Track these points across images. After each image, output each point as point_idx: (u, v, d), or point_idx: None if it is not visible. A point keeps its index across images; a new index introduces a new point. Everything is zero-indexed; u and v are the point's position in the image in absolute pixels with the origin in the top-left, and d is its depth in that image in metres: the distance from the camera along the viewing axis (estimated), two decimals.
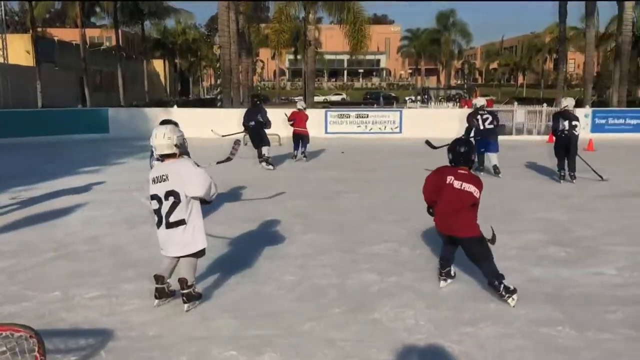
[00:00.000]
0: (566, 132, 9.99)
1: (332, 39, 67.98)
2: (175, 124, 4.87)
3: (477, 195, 4.69)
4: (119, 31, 39.26)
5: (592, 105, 25.24)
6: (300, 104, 13.76)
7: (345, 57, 77.21)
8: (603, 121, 19.75)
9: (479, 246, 4.71)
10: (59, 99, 28.69)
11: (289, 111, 13.97)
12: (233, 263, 5.60)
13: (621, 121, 19.89)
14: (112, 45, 44.05)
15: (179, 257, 4.42)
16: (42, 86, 28.32)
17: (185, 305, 4.40)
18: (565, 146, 10.03)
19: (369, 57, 79.91)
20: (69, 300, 4.64)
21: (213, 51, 57.88)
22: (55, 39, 41.98)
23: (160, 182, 4.29)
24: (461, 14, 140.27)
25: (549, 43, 62.70)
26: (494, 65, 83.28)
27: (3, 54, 23.44)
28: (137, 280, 5.11)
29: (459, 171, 4.78)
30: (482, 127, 11.08)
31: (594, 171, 10.37)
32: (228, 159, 6.83)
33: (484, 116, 11.28)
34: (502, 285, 4.59)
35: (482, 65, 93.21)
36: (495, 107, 26.19)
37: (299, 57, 57.51)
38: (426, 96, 46.22)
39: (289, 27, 24.31)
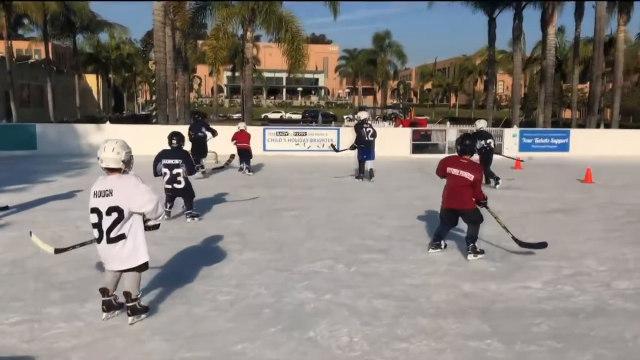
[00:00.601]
0: (486, 148, 12.05)
1: (271, 57, 68.34)
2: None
3: (472, 179, 6.24)
4: (49, 44, 37.86)
5: (520, 126, 26.48)
6: (242, 125, 15.15)
7: (284, 75, 77.64)
8: (530, 141, 20.73)
9: (473, 215, 6.44)
10: None
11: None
12: (166, 284, 5.45)
13: (546, 141, 20.93)
14: (41, 58, 42.40)
15: (121, 271, 4.41)
16: None
17: (130, 318, 4.41)
18: (487, 160, 11.99)
19: (307, 75, 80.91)
20: None
21: (149, 67, 56.81)
22: None
23: (103, 196, 4.21)
24: (396, 36, 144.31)
25: (479, 65, 65.52)
26: (428, 85, 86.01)
27: None
28: (63, 303, 4.89)
29: (460, 160, 6.42)
30: (366, 138, 12.97)
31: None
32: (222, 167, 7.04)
33: (367, 129, 13.04)
34: (472, 245, 6.42)
35: (416, 85, 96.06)
36: (429, 126, 27.03)
37: (237, 74, 57.41)
38: None
39: (227, 44, 24.14)
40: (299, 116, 62.34)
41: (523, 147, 20.27)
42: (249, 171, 14.19)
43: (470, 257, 6.39)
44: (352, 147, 13.70)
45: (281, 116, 66.60)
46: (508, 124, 27.71)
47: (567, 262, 6.48)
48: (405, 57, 68.19)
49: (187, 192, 8.50)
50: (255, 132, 20.02)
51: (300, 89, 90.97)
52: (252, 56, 25.58)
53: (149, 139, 18.28)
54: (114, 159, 4.23)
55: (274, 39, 24.66)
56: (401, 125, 31.92)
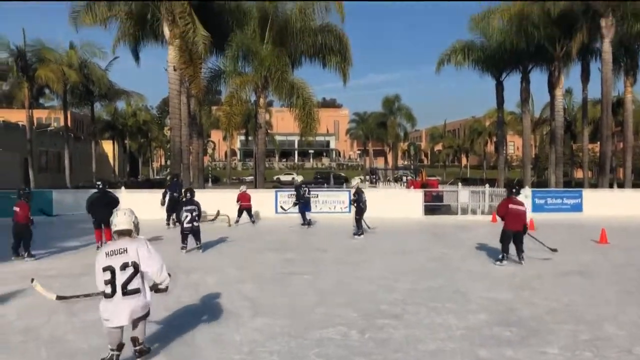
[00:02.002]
0: (365, 202, 14.61)
1: (283, 121, 69.64)
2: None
3: (524, 209, 10.65)
4: (68, 112, 39.04)
5: (532, 186, 26.46)
6: (244, 188, 17.95)
7: (296, 138, 78.84)
8: (542, 201, 20.67)
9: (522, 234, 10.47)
10: (3, 181, 27.86)
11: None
12: (178, 349, 5.42)
13: (559, 201, 20.86)
14: (60, 126, 43.62)
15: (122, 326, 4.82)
16: None
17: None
18: (361, 212, 14.46)
19: (319, 138, 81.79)
20: None
21: (164, 132, 58.14)
22: (1, 120, 41.37)
23: (117, 254, 4.69)
24: (405, 98, 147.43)
25: (488, 127, 66.17)
26: (439, 147, 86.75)
27: None
28: None
29: (514, 198, 10.69)
30: (305, 195, 17.15)
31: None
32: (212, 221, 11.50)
33: (304, 189, 17.45)
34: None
35: (427, 146, 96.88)
36: (440, 188, 27.08)
37: (250, 138, 58.42)
38: (374, 177, 47.29)
39: (240, 110, 24.73)
40: (288, 177, 63.82)
41: (536, 208, 20.19)
42: (252, 221, 17.13)
43: (498, 264, 10.26)
44: (295, 204, 17.60)
45: (293, 178, 67.07)
46: (520, 185, 27.72)
47: (585, 326, 6.35)
48: (415, 119, 69.19)
49: (199, 230, 11.94)
50: (267, 194, 20.28)
51: (311, 151, 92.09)
52: (264, 121, 26.15)
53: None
54: (126, 221, 4.84)
55: (286, 105, 25.27)
56: (412, 187, 32.00)
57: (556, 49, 26.34)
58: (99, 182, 12.77)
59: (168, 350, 5.44)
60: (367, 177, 49.27)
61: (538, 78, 62.22)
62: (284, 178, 66.85)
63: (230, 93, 23.95)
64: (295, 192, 17.70)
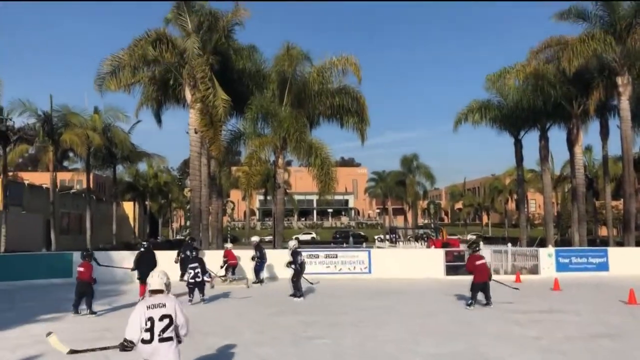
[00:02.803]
0: (302, 264, 14.35)
1: (302, 180, 70.05)
2: None
3: (485, 261, 12.76)
4: (91, 175, 39.83)
5: (555, 244, 25.95)
6: (228, 245, 19.62)
7: (315, 197, 79.10)
8: (567, 260, 20.18)
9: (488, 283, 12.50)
10: (25, 243, 28.21)
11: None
12: None
13: (584, 260, 20.34)
14: (82, 188, 44.43)
15: None
16: (7, 230, 27.91)
17: None
18: (299, 273, 14.16)
19: (337, 197, 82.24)
20: None
21: (184, 193, 58.86)
22: (26, 182, 42.27)
23: (157, 307, 5.43)
24: (424, 157, 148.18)
25: (509, 184, 65.79)
26: (459, 205, 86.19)
27: None
28: None
29: (477, 255, 12.83)
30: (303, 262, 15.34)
31: None
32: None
33: (262, 250, 18.17)
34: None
35: (447, 205, 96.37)
36: (461, 247, 26.69)
37: (269, 197, 58.77)
38: (394, 235, 46.94)
39: (259, 170, 24.99)
40: (307, 237, 65.07)
41: (560, 267, 19.73)
42: (235, 278, 17.90)
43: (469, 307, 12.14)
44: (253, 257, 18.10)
45: (312, 237, 66.95)
46: (543, 244, 27.23)
47: None
48: (434, 178, 69.16)
49: (202, 284, 13.51)
50: (286, 254, 20.11)
51: (330, 210, 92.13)
52: (283, 181, 26.34)
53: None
54: (159, 283, 5.57)
55: (304, 164, 25.48)
56: (433, 246, 31.62)
57: (574, 107, 26.42)
58: (144, 242, 15.03)
59: None
60: (387, 236, 48.98)
61: (557, 135, 62.30)
62: (303, 237, 66.69)
63: (250, 154, 24.29)
64: (291, 257, 14.72)
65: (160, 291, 5.56)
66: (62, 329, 9.80)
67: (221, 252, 19.95)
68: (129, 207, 56.62)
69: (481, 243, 25.16)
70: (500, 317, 11.11)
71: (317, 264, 19.74)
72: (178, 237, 59.49)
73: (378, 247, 31.81)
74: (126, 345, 5.34)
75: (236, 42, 24.61)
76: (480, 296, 12.48)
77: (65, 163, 46.27)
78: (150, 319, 5.36)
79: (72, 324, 10.60)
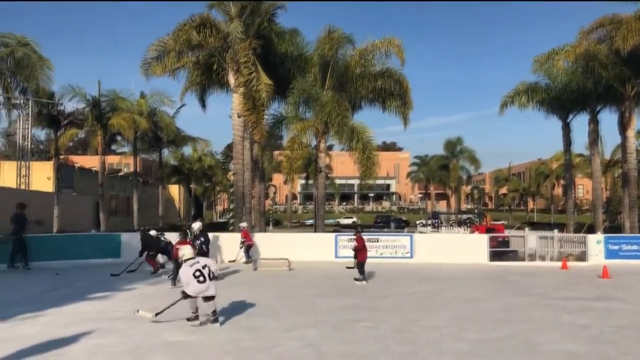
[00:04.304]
0: (201, 246, 14.02)
1: (343, 164, 70.02)
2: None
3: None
4: (138, 158, 40.83)
5: (605, 231, 25.15)
6: (244, 224, 19.75)
7: (356, 182, 79.04)
8: (616, 247, 19.57)
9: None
10: (76, 224, 29.21)
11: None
12: None
13: (635, 247, 19.68)
14: (130, 171, 45.61)
15: (207, 297, 8.53)
16: (60, 211, 28.99)
17: (218, 323, 8.61)
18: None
19: (379, 181, 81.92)
20: None
21: (227, 177, 59.74)
22: (76, 165, 43.74)
23: (196, 264, 8.62)
24: (468, 140, 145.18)
25: (556, 169, 64.01)
26: (504, 190, 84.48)
27: (26, 181, 24.28)
28: None
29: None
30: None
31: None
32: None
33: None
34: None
35: (491, 190, 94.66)
36: (506, 232, 26.21)
37: (310, 182, 59.03)
38: (437, 220, 46.50)
39: (301, 155, 25.08)
40: (348, 221, 65.02)
41: (609, 255, 19.15)
42: (251, 260, 17.95)
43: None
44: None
45: (353, 222, 66.94)
46: (591, 230, 26.45)
47: None
48: (478, 162, 67.88)
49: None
50: (327, 239, 20.26)
51: (372, 194, 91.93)
52: (324, 165, 26.38)
53: (226, 245, 19.15)
54: (191, 253, 8.97)
55: (346, 149, 25.41)
56: (477, 232, 31.18)
57: (627, 89, 25.39)
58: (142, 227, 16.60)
59: None
60: (429, 221, 48.56)
61: (608, 118, 59.97)
62: (344, 221, 66.80)
63: (292, 138, 24.39)
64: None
65: (192, 257, 8.81)
66: (116, 306, 10.15)
67: (263, 235, 20.25)
68: (174, 190, 57.94)
69: (526, 229, 24.67)
70: (546, 304, 10.88)
71: None
72: (222, 220, 60.46)
73: (420, 232, 31.58)
74: (186, 294, 8.56)
75: (278, 25, 24.62)
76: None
77: (114, 147, 47.46)
78: (198, 270, 8.50)
79: (119, 302, 10.95)
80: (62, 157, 37.65)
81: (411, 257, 19.52)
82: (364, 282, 13.85)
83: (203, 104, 26.93)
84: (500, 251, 19.84)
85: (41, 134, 51.20)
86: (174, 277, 13.54)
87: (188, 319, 8.61)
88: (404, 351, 7.22)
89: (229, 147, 51.46)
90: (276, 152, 44.31)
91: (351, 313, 9.90)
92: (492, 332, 8.36)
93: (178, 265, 13.44)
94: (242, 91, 22.20)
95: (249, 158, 24.61)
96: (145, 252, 15.81)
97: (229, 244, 19.10)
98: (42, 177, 31.66)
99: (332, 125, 23.91)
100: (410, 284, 13.98)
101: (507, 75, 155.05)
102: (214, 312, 8.59)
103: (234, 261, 18.60)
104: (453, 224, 45.59)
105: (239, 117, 22.62)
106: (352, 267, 15.46)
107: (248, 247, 18.61)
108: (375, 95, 25.61)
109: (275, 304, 10.82)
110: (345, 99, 24.21)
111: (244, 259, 18.43)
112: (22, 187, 24.22)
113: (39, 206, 26.27)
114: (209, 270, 8.53)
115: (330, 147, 42.44)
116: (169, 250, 14.90)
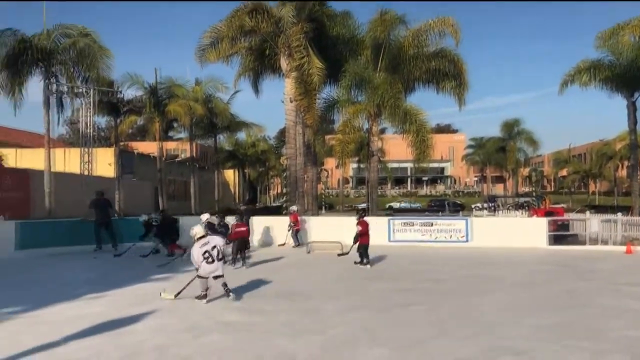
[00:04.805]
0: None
1: (396, 147, 69.18)
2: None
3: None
4: (194, 144, 41.74)
5: None
6: (293, 208, 20.03)
7: (410, 165, 78.13)
8: None
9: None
10: (137, 208, 30.24)
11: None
12: None
13: None
14: (187, 157, 46.72)
15: (217, 277, 9.27)
16: (122, 196, 30.07)
17: (232, 295, 9.27)
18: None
19: (433, 165, 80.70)
20: None
21: (280, 161, 60.33)
22: (136, 152, 45.18)
23: (205, 245, 9.23)
24: (527, 121, 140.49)
25: (620, 150, 61.22)
26: (564, 172, 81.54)
27: (89, 166, 25.27)
28: None
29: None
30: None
31: None
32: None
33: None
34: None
35: (550, 172, 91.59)
36: (567, 216, 25.36)
37: (363, 165, 58.79)
38: (493, 204, 45.50)
39: (354, 138, 25.00)
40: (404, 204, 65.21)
41: None
42: (299, 245, 18.38)
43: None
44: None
45: (409, 205, 66.41)
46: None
47: None
48: (537, 143, 65.58)
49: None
50: (380, 222, 20.17)
51: (426, 178, 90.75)
52: (377, 148, 26.19)
53: (279, 228, 19.41)
54: (202, 231, 9.46)
55: (399, 131, 25.11)
56: (535, 215, 30.29)
57: None
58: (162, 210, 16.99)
59: None
60: (486, 205, 47.57)
61: None
62: (397, 205, 66.34)
63: (344, 122, 24.30)
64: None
65: (204, 236, 9.40)
66: (175, 287, 10.45)
67: (316, 219, 20.34)
68: (229, 175, 59.06)
69: (588, 212, 23.79)
70: (611, 290, 10.48)
71: (413, 232, 19.59)
72: (275, 204, 61.21)
73: (476, 216, 30.98)
74: (199, 275, 9.25)
75: (330, 8, 24.46)
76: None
77: (171, 133, 48.79)
78: (207, 252, 9.14)
79: (179, 284, 11.29)
80: (122, 143, 39.01)
81: (467, 241, 19.18)
82: (368, 265, 13.64)
83: (256, 90, 27.18)
84: (561, 235, 19.21)
85: (102, 121, 53.17)
86: (234, 259, 13.87)
87: (197, 297, 9.21)
88: (462, 335, 7.13)
89: (282, 132, 51.88)
90: (328, 136, 44.28)
91: (406, 297, 9.85)
92: (552, 317, 8.13)
93: (235, 247, 13.92)
94: (294, 75, 22.27)
95: (302, 142, 24.73)
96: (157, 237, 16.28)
97: (281, 227, 19.32)
98: (104, 163, 32.84)
99: (385, 108, 23.64)
100: (467, 268, 13.76)
101: (567, 53, 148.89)
102: (224, 285, 9.30)
103: (283, 245, 18.87)
104: (510, 208, 44.48)
105: (291, 101, 22.74)
106: (345, 254, 15.21)
107: (296, 231, 18.86)
108: (429, 77, 25.11)
109: (330, 287, 10.90)
110: (398, 81, 23.85)
111: (293, 243, 18.67)
112: (86, 172, 25.20)
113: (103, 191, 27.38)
114: (218, 251, 9.20)
115: (382, 130, 42.01)
116: (226, 232, 15.19)
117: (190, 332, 7.31)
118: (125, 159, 36.80)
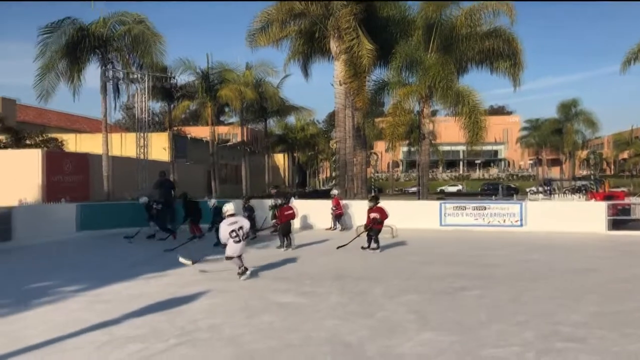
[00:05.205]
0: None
1: (448, 130, 68.11)
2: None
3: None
4: (245, 128, 42.28)
5: None
6: (335, 192, 20.53)
7: (462, 148, 76.72)
8: None
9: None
10: (190, 191, 31.02)
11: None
12: (342, 357, 5.47)
13: None
14: (238, 141, 47.43)
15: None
16: (175, 179, 30.87)
17: (247, 274, 9.81)
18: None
19: (486, 147, 78.88)
20: None
21: (330, 145, 60.37)
22: (189, 136, 46.17)
23: (234, 223, 9.84)
24: (585, 102, 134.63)
25: None
26: (625, 155, 78.17)
27: (144, 151, 26.03)
28: None
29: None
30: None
31: None
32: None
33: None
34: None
35: (610, 155, 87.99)
36: (627, 200, 24.35)
37: (413, 148, 58.10)
38: (549, 188, 44.14)
39: (404, 121, 24.67)
40: (454, 189, 65.16)
41: None
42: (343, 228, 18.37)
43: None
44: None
45: (459, 189, 65.38)
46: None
47: None
48: (596, 125, 63.01)
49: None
50: (432, 206, 19.95)
51: (478, 161, 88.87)
52: (428, 131, 25.81)
53: (320, 212, 19.48)
54: (233, 209, 10.10)
55: (451, 113, 24.67)
56: (594, 199, 29.22)
57: None
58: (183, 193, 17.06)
59: (336, 357, 5.52)
60: (541, 188, 46.18)
61: None
62: (449, 189, 65.40)
63: (394, 104, 24.03)
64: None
65: (233, 214, 10.03)
66: (229, 268, 10.66)
67: (365, 203, 20.27)
68: (279, 159, 59.62)
69: None
70: None
71: (465, 216, 19.28)
72: (325, 188, 61.45)
73: (531, 200, 30.17)
74: (227, 256, 9.85)
75: None
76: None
77: (222, 118, 49.62)
78: (234, 231, 9.73)
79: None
80: (176, 128, 39.91)
81: (521, 225, 18.72)
82: (378, 250, 13.35)
83: (306, 73, 27.22)
84: (621, 220, 18.48)
85: (157, 106, 54.49)
86: (282, 242, 14.04)
87: (239, 274, 9.79)
88: (515, 321, 6.97)
89: (331, 116, 51.84)
90: (378, 119, 43.95)
91: (458, 281, 9.71)
92: (611, 304, 7.85)
93: (282, 230, 14.06)
94: (344, 58, 22.15)
95: (351, 126, 24.63)
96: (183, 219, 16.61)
97: (322, 211, 19.37)
98: (158, 147, 33.74)
99: (437, 90, 23.22)
100: (521, 253, 13.44)
101: (630, 29, 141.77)
102: (242, 264, 9.92)
103: (329, 229, 18.89)
104: (567, 191, 43.04)
105: (340, 84, 22.66)
106: (344, 245, 13.80)
107: (338, 215, 18.86)
108: (482, 57, 24.47)
109: (380, 270, 10.87)
110: (450, 62, 23.34)
111: (337, 227, 18.71)
112: (142, 156, 25.97)
113: (157, 175, 28.17)
114: (243, 232, 9.82)
115: (434, 113, 41.39)
116: (250, 215, 15.68)
117: (243, 312, 7.46)
118: (179, 143, 37.72)
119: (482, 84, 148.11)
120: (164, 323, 6.88)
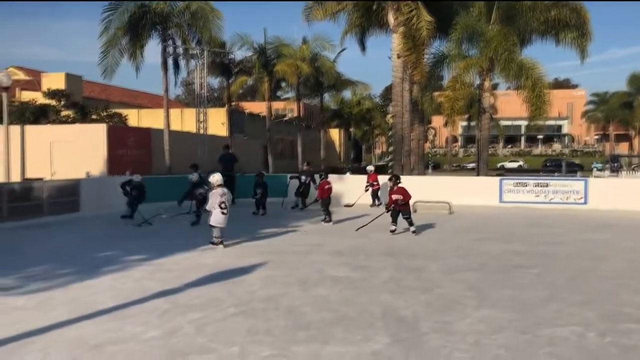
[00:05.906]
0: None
1: (509, 104, 65.98)
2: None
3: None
4: (301, 103, 42.39)
5: None
6: (370, 168, 20.05)
7: (523, 123, 74.20)
8: None
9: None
10: (247, 166, 31.57)
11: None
12: (402, 336, 5.49)
13: None
14: (294, 116, 47.65)
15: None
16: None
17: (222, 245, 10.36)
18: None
19: (549, 122, 75.79)
20: (245, 357, 4.90)
21: (386, 120, 59.77)
22: (246, 111, 46.75)
23: (224, 195, 10.27)
24: None
25: None
26: None
27: (203, 126, 26.58)
28: (308, 342, 5.24)
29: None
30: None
31: None
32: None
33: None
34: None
35: None
36: None
37: (472, 123, 56.72)
38: (616, 164, 42.26)
39: (463, 95, 23.98)
40: (514, 165, 64.06)
41: None
42: (380, 203, 17.48)
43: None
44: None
45: (519, 165, 63.59)
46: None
47: None
48: None
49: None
50: (491, 183, 19.51)
51: (540, 136, 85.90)
52: (489, 105, 25.08)
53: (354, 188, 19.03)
54: (220, 180, 10.37)
55: (513, 87, 23.86)
56: None
57: None
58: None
59: (393, 336, 5.54)
60: (607, 165, 44.31)
61: None
62: (509, 165, 63.70)
63: (454, 77, 23.41)
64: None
65: (221, 185, 10.28)
66: (284, 242, 10.86)
67: (423, 178, 20.00)
68: (334, 134, 59.58)
69: None
70: None
71: (526, 193, 18.74)
72: (380, 163, 61.09)
73: (596, 177, 28.99)
74: (211, 224, 10.28)
75: None
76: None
77: (278, 93, 49.90)
78: (223, 202, 10.13)
79: (287, 238, 11.69)
80: (233, 103, 40.45)
81: (585, 203, 18.05)
82: (414, 231, 12.17)
83: (362, 47, 26.82)
84: None
85: (215, 82, 55.33)
86: (325, 216, 14.16)
87: (212, 243, 10.29)
88: (576, 300, 6.78)
89: (388, 90, 51.09)
90: (436, 93, 43.04)
91: (517, 258, 9.51)
92: None
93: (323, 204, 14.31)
94: (401, 30, 21.68)
95: (408, 100, 24.22)
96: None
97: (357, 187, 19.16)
98: (216, 122, 34.34)
99: (498, 62, 22.45)
100: (584, 231, 13.00)
101: None
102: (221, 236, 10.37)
103: (350, 206, 17.85)
104: (635, 168, 41.11)
105: (398, 57, 22.23)
106: (364, 226, 12.90)
107: (376, 191, 18.48)
108: (547, 28, 23.39)
109: (436, 247, 10.78)
110: (513, 33, 22.46)
111: (380, 203, 17.87)
112: (201, 131, 26.54)
113: (216, 149, 28.76)
114: (227, 204, 10.27)
115: (495, 86, 40.13)
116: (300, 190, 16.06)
117: (299, 284, 7.58)
118: (237, 119, 38.25)
119: (546, 56, 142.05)
120: (222, 292, 7.09)
